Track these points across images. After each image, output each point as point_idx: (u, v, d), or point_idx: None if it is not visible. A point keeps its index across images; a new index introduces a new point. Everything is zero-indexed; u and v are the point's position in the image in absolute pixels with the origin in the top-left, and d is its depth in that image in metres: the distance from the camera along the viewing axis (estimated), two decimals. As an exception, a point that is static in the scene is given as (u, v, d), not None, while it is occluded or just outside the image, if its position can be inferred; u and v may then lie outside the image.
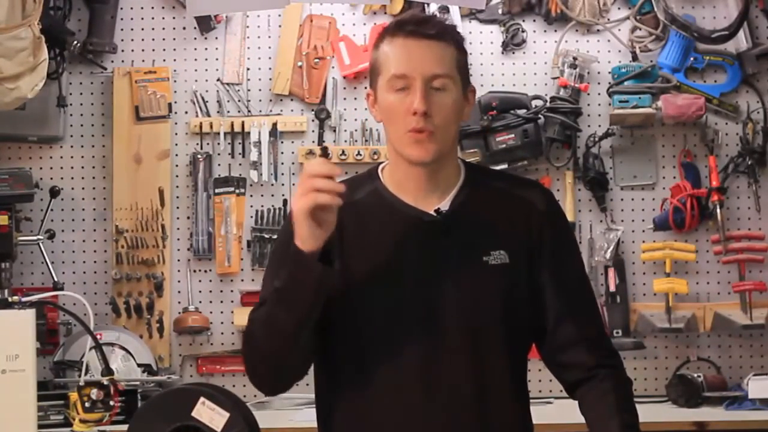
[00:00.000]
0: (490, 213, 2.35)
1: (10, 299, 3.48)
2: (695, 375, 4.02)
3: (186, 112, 4.25)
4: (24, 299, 3.47)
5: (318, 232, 2.15)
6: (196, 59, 4.26)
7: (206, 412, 2.96)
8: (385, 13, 4.20)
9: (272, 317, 2.24)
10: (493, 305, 2.31)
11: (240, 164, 4.23)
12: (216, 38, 4.27)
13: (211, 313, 4.18)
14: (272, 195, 4.22)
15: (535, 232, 2.35)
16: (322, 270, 2.17)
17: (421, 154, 2.28)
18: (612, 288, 4.15)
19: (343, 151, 4.19)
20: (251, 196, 4.22)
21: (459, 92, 2.31)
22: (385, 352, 2.29)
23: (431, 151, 2.28)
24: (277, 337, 2.24)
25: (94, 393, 3.39)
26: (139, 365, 3.97)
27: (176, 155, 4.24)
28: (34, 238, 4.03)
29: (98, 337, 3.62)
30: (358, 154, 4.19)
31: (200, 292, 4.20)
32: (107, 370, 3.43)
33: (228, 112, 4.25)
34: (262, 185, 4.22)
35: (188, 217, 4.22)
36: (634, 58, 4.19)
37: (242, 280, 4.21)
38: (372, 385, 2.30)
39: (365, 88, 2.41)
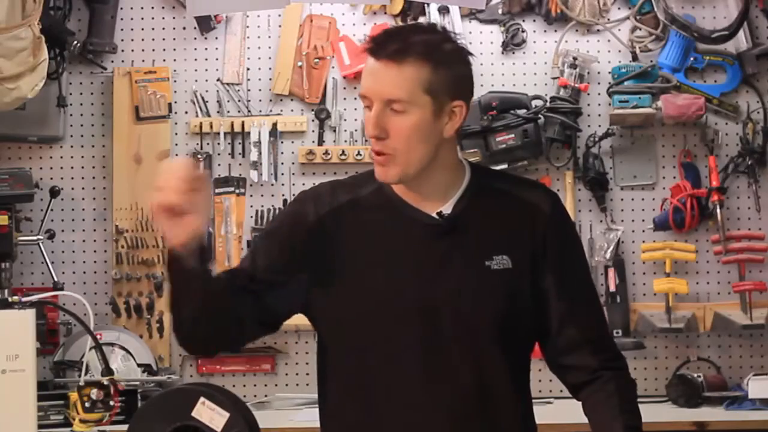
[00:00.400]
0: (494, 216, 2.33)
1: (10, 299, 3.48)
2: (695, 375, 4.02)
3: (186, 112, 4.25)
4: (24, 299, 3.47)
5: (175, 230, 2.18)
6: (196, 59, 4.26)
7: (206, 412, 2.96)
8: (385, 13, 4.20)
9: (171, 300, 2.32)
10: (494, 310, 2.30)
11: (240, 164, 4.23)
12: (216, 38, 4.27)
13: (211, 313, 4.18)
14: (272, 195, 4.22)
15: (539, 235, 2.33)
16: (178, 268, 2.21)
17: (381, 176, 2.27)
18: (612, 288, 4.14)
19: (343, 151, 4.19)
20: (251, 196, 4.22)
21: (425, 114, 2.23)
22: (384, 353, 2.28)
23: (391, 173, 2.25)
24: (180, 309, 2.30)
25: (94, 393, 3.39)
26: (139, 365, 3.97)
27: (176, 155, 4.24)
28: (34, 238, 4.02)
29: (98, 337, 3.62)
30: (358, 154, 4.19)
31: (200, 292, 4.19)
32: (107, 370, 3.43)
33: (228, 112, 4.25)
34: (262, 185, 4.21)
35: (188, 217, 4.21)
36: (634, 58, 4.19)
37: (242, 280, 4.20)
38: (372, 386, 2.30)
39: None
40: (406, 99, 2.21)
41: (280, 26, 4.26)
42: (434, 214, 2.31)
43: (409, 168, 2.25)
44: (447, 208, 2.31)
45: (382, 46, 2.25)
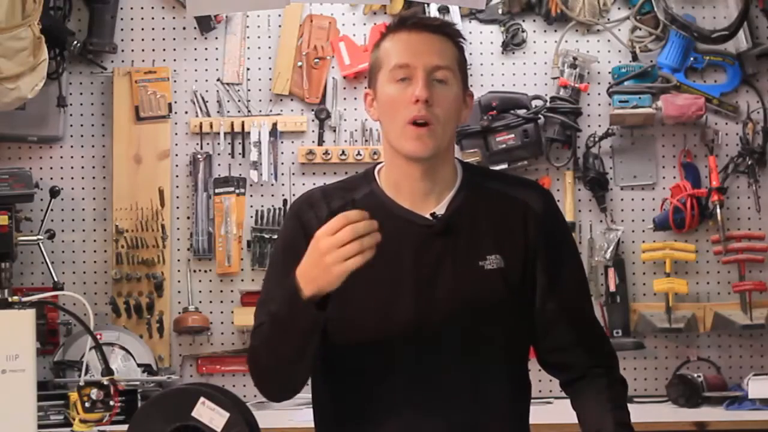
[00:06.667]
0: (487, 216, 2.34)
1: (10, 299, 3.47)
2: (695, 375, 4.02)
3: (186, 112, 4.25)
4: (24, 299, 3.46)
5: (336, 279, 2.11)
6: (196, 59, 4.27)
7: (206, 412, 2.96)
8: (385, 13, 4.20)
9: (271, 343, 2.24)
10: (489, 309, 2.30)
11: (240, 164, 4.23)
12: (216, 38, 4.27)
13: (211, 313, 4.19)
14: (272, 195, 4.22)
15: (532, 234, 2.34)
16: (317, 315, 2.14)
17: (419, 148, 2.27)
18: (612, 288, 4.15)
19: (343, 151, 4.19)
20: (251, 196, 4.22)
21: (459, 89, 2.32)
22: (379, 355, 2.28)
23: (429, 145, 2.27)
24: (278, 360, 2.25)
25: (94, 393, 3.38)
26: (139, 365, 3.98)
27: (176, 155, 4.24)
28: (34, 238, 4.02)
29: (98, 337, 3.61)
30: (358, 154, 4.19)
31: (200, 292, 4.20)
32: (107, 370, 3.42)
33: (228, 112, 4.25)
34: (262, 185, 4.22)
35: (188, 217, 4.22)
36: (634, 58, 4.19)
37: (242, 280, 4.21)
38: (367, 389, 2.30)
39: (365, 87, 2.41)
40: (450, 67, 2.29)
41: (280, 26, 4.26)
42: (428, 216, 2.31)
43: (442, 142, 2.30)
44: (440, 209, 2.32)
45: (425, 20, 2.34)
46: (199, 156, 4.22)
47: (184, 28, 4.27)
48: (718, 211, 4.11)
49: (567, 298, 2.35)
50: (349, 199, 2.35)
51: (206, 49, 4.27)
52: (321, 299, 2.13)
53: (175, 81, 4.25)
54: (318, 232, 2.10)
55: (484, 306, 2.30)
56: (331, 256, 2.07)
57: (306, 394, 3.87)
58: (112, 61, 4.24)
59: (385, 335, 2.27)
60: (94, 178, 4.23)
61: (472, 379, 2.29)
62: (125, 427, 3.13)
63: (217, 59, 4.26)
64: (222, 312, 4.20)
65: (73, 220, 4.22)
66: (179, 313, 4.17)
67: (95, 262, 4.22)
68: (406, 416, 2.29)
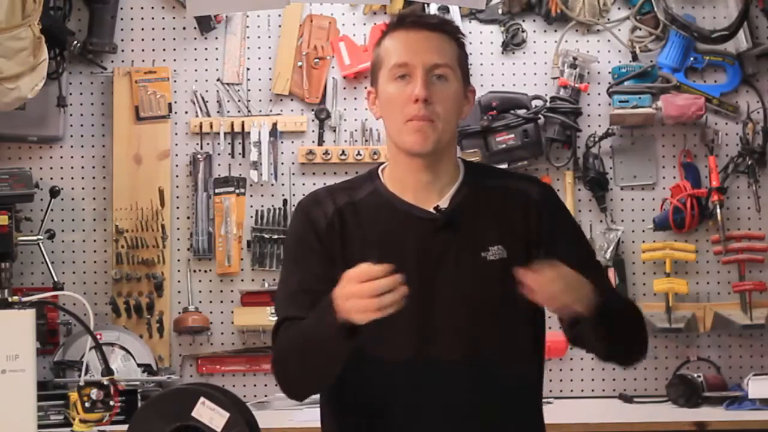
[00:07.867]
0: (488, 209, 2.37)
1: (10, 299, 3.47)
2: (695, 375, 4.02)
3: (186, 112, 4.25)
4: (24, 299, 3.46)
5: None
6: (196, 59, 4.26)
7: (206, 412, 2.96)
8: (385, 13, 4.20)
9: (302, 355, 2.26)
10: (491, 301, 2.32)
11: (240, 164, 4.23)
12: (216, 38, 4.27)
13: (211, 313, 4.19)
14: (272, 195, 4.22)
15: (533, 222, 2.37)
16: (347, 344, 2.16)
17: (419, 142, 2.29)
18: (612, 288, 4.15)
19: (343, 151, 4.19)
20: (251, 196, 4.22)
21: (460, 85, 2.34)
22: (382, 349, 2.29)
23: (431, 139, 2.29)
24: (307, 371, 2.28)
25: (94, 393, 3.38)
26: (139, 365, 3.98)
27: (176, 155, 4.24)
28: (34, 238, 4.02)
29: (98, 337, 3.61)
30: (358, 154, 4.19)
31: (200, 292, 4.20)
32: (107, 370, 3.42)
33: (228, 112, 4.25)
34: (262, 185, 4.22)
35: (188, 217, 4.22)
36: (634, 58, 4.20)
37: (242, 280, 4.21)
38: (369, 381, 2.31)
39: (365, 87, 2.43)
40: (450, 64, 2.31)
41: (280, 26, 4.26)
42: (431, 209, 2.33)
43: (444, 137, 2.31)
44: (443, 203, 2.35)
45: (424, 18, 2.37)
46: (199, 156, 4.22)
47: (184, 28, 4.27)
48: (718, 211, 4.11)
49: (587, 272, 2.33)
50: (353, 197, 2.37)
51: (206, 49, 4.27)
52: (351, 329, 2.14)
53: (175, 81, 4.25)
54: (347, 274, 2.12)
55: (488, 297, 2.31)
56: (351, 302, 2.10)
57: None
58: (112, 61, 4.24)
59: (387, 327, 2.27)
60: (94, 178, 4.23)
61: (476, 370, 2.30)
62: (125, 427, 3.13)
63: (217, 59, 4.26)
64: (222, 312, 4.20)
65: (73, 220, 4.22)
66: (179, 313, 4.17)
67: (95, 262, 4.22)
68: (410, 406, 2.30)
